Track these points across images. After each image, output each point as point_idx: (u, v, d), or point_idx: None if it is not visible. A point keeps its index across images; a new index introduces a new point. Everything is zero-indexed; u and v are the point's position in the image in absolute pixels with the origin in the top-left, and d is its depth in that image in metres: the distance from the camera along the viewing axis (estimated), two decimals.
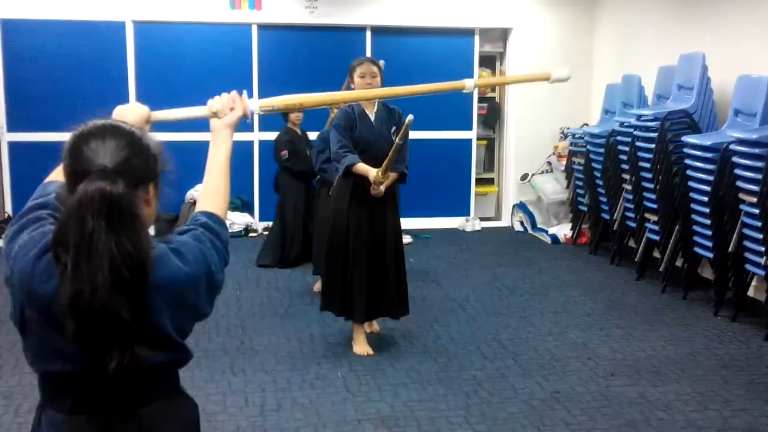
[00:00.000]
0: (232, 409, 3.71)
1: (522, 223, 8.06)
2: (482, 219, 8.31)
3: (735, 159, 4.85)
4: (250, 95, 1.92)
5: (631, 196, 6.19)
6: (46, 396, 1.57)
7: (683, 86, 5.85)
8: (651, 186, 5.80)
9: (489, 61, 8.40)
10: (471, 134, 8.23)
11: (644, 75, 6.51)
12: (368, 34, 7.85)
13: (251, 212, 7.78)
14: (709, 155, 5.12)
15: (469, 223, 8.11)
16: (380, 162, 4.17)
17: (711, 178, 5.07)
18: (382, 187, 4.24)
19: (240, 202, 7.65)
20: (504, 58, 8.38)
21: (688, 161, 5.33)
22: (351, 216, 4.36)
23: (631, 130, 6.06)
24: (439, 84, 2.42)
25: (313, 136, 5.95)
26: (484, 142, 8.52)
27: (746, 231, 4.85)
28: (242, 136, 7.42)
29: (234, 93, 1.87)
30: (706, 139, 5.23)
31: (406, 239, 6.90)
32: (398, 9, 7.77)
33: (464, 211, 8.25)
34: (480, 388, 3.97)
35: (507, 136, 8.36)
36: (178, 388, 1.66)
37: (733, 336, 4.80)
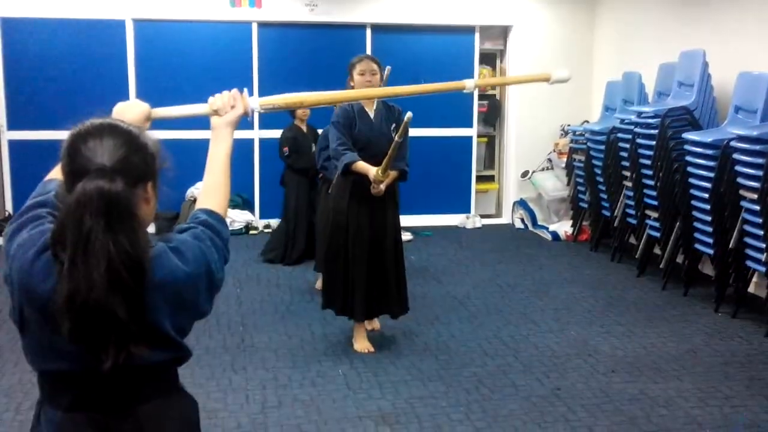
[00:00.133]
0: (233, 407, 3.71)
1: (522, 220, 8.06)
2: (483, 216, 8.31)
3: (735, 156, 4.85)
4: (251, 93, 1.92)
5: (631, 193, 6.18)
6: (45, 393, 1.58)
7: (684, 83, 5.85)
8: (651, 183, 5.80)
9: (489, 59, 8.40)
10: (471, 131, 8.23)
11: (645, 72, 6.51)
12: (368, 32, 7.84)
13: (252, 210, 7.78)
14: (709, 152, 5.12)
15: (470, 221, 8.12)
16: (380, 160, 4.14)
17: (711, 174, 5.07)
18: (383, 186, 4.21)
19: (240, 199, 7.66)
20: (504, 55, 8.38)
21: (688, 158, 5.33)
22: (350, 214, 4.33)
23: (632, 127, 6.06)
24: (439, 84, 2.41)
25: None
26: (485, 139, 8.53)
27: (747, 227, 4.85)
28: (243, 134, 7.43)
29: (235, 91, 1.86)
30: (706, 136, 5.22)
31: (407, 236, 6.91)
32: (398, 7, 7.77)
33: (465, 209, 8.25)
34: (481, 385, 3.98)
35: (507, 133, 8.36)
36: (177, 386, 1.66)
37: (733, 332, 4.80)
